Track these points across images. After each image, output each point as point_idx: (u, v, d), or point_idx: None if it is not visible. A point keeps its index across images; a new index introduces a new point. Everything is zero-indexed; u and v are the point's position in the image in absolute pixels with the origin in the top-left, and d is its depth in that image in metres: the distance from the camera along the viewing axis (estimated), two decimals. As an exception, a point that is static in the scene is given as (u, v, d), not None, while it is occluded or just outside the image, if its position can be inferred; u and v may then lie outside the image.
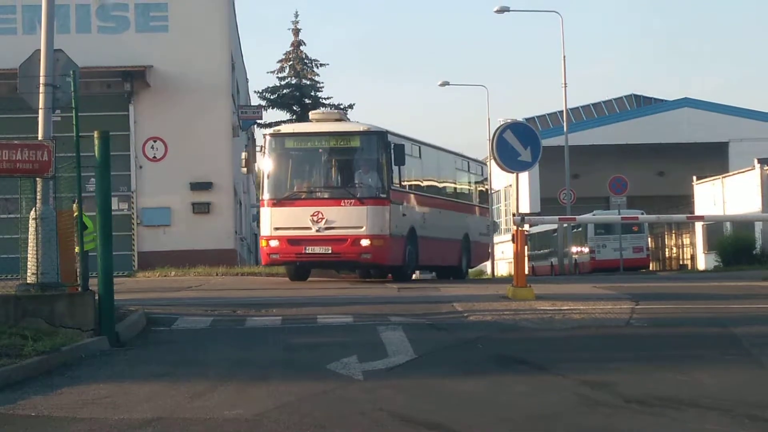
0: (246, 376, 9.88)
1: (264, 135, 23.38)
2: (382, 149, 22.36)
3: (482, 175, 30.92)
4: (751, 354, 10.81)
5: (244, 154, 23.97)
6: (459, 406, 8.37)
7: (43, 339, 10.94)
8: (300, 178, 23.01)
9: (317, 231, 21.86)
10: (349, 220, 21.91)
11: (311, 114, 24.66)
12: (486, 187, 32.11)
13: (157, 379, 9.77)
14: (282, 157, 22.95)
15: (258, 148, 23.23)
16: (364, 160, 22.76)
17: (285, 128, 24.41)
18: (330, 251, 21.99)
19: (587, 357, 10.94)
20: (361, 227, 21.87)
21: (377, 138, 22.54)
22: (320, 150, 22.95)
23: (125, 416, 8.14)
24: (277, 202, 22.45)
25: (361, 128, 23.30)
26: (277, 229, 22.26)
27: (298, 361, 10.73)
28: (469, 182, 29.55)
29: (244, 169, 24.24)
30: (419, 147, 25.14)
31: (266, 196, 22.66)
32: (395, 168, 22.61)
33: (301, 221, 22.01)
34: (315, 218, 21.86)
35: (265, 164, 22.88)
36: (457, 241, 27.12)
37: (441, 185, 27.12)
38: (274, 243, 22.30)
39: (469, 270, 29.52)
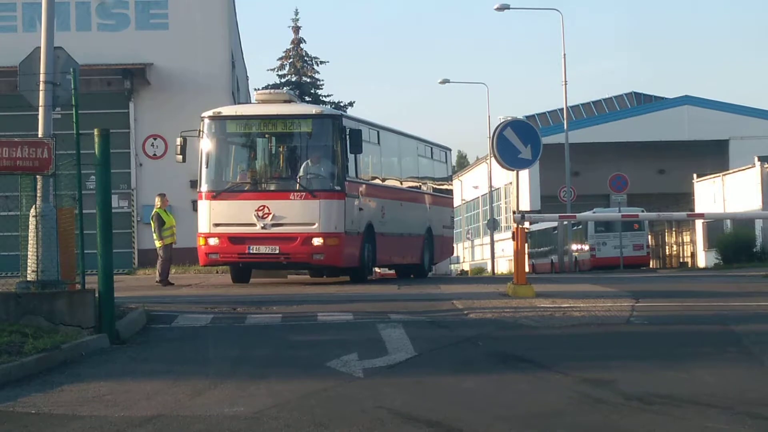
0: (246, 373, 9.88)
1: (201, 117, 20.82)
2: (337, 135, 20.14)
3: (446, 161, 28.62)
4: (751, 352, 10.80)
5: (179, 140, 20.85)
6: (459, 404, 8.37)
7: (44, 337, 10.94)
8: (243, 168, 20.87)
9: (263, 228, 19.77)
10: (300, 215, 19.80)
11: (257, 94, 22.14)
12: (450, 174, 29.97)
13: (157, 377, 9.77)
14: (222, 143, 20.74)
15: (196, 133, 20.73)
16: (317, 148, 20.40)
17: (226, 110, 21.43)
18: (277, 251, 19.85)
19: (587, 355, 10.94)
20: (313, 224, 19.77)
21: (331, 122, 20.39)
22: (266, 135, 20.78)
23: (126, 413, 8.14)
24: (217, 194, 20.22)
25: (312, 111, 21.38)
26: (216, 225, 20.10)
27: (298, 359, 10.72)
28: (433, 170, 27.25)
29: (179, 157, 20.87)
30: (378, 132, 23.04)
31: (204, 187, 20.44)
32: (351, 156, 20.46)
33: (244, 217, 19.89)
34: (260, 213, 19.75)
35: (203, 151, 20.55)
36: (420, 236, 24.98)
37: (402, 174, 24.89)
38: (213, 241, 20.15)
39: (433, 267, 27.41)
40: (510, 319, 13.51)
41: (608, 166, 47.32)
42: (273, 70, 59.87)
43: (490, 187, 57.53)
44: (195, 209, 29.43)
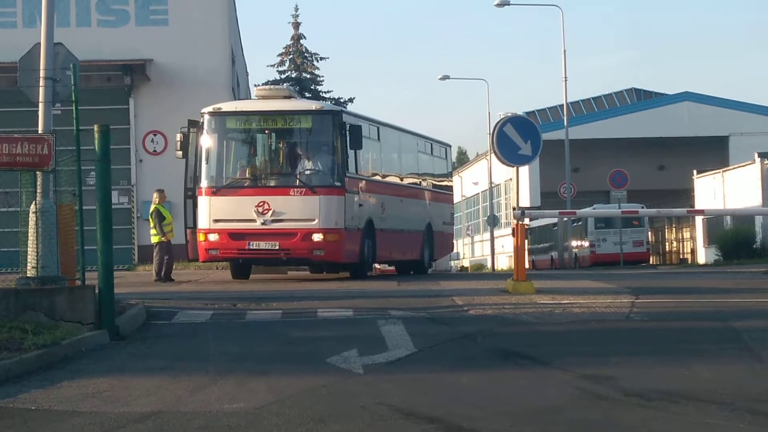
0: (246, 369, 9.88)
1: (201, 113, 20.75)
2: (337, 131, 20.06)
3: (446, 158, 28.48)
4: (751, 348, 10.80)
5: (179, 135, 20.88)
6: (459, 400, 8.37)
7: (44, 333, 10.94)
8: (243, 164, 20.78)
9: (263, 224, 19.73)
10: (300, 211, 19.75)
11: (256, 90, 22.20)
12: (450, 171, 29.99)
13: (157, 373, 9.78)
14: (222, 138, 20.65)
15: (195, 129, 20.64)
16: (317, 143, 20.41)
17: (226, 106, 21.36)
18: (277, 247, 19.79)
19: (587, 351, 10.95)
20: (313, 220, 19.74)
21: (331, 118, 20.32)
22: (266, 131, 20.69)
23: (126, 409, 8.14)
24: (217, 190, 20.18)
25: (312, 107, 21.45)
26: (216, 221, 20.08)
27: (298, 355, 10.73)
28: (433, 166, 27.21)
29: (179, 153, 20.89)
30: (378, 128, 22.94)
31: (204, 183, 20.36)
32: (351, 152, 20.35)
33: (244, 212, 19.86)
34: (260, 209, 19.70)
35: (203, 147, 20.46)
36: (419, 232, 24.90)
37: (402, 170, 24.84)
38: (213, 237, 20.07)
39: (433, 263, 27.20)
40: (510, 316, 13.52)
41: (608, 163, 47.33)
42: (273, 66, 60.04)
43: (490, 183, 57.50)
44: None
